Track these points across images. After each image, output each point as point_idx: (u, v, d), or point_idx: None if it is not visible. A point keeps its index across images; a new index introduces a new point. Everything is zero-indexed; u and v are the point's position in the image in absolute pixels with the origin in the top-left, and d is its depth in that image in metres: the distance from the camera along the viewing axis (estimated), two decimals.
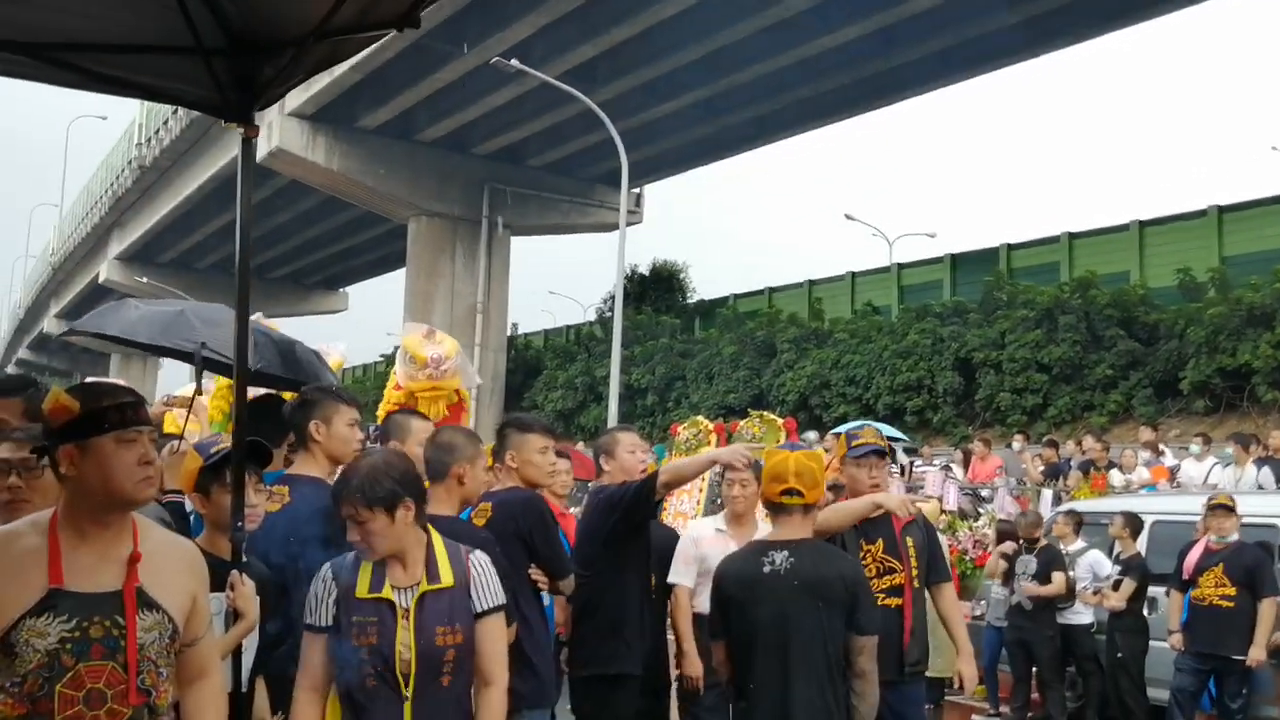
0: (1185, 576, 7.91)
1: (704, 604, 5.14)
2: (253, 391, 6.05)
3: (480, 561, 3.38)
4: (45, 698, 2.34)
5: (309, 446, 4.22)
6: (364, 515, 3.18)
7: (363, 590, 3.18)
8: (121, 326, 6.22)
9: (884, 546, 5.01)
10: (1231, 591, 7.65)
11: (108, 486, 2.47)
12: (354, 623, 3.14)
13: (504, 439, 4.72)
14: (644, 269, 34.85)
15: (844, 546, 4.77)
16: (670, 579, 5.71)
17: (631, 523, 4.96)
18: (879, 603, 4.93)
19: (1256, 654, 7.50)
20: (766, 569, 4.06)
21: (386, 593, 3.18)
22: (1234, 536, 7.79)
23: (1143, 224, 23.53)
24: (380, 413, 9.76)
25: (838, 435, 9.87)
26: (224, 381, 7.45)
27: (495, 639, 3.33)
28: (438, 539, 3.33)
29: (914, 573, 5.05)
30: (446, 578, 3.26)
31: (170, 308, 6.45)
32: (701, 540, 5.77)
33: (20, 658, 2.33)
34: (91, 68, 3.12)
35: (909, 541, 5.07)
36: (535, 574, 4.48)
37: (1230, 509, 7.81)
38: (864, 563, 4.91)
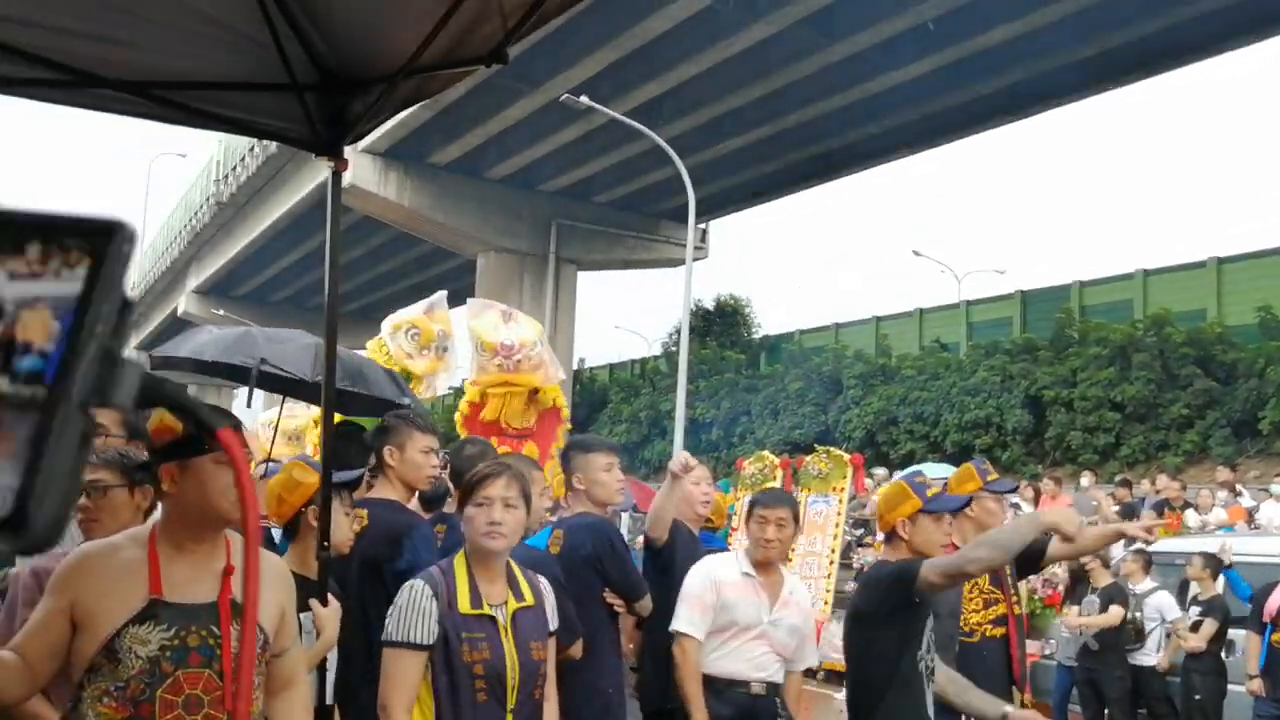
0: (1267, 619, 7.75)
1: (724, 663, 4.54)
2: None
3: (546, 584, 3.55)
4: (147, 702, 2.45)
5: (384, 471, 4.34)
6: (516, 500, 3.34)
7: (465, 606, 3.26)
8: (192, 348, 6.45)
9: (988, 578, 5.09)
10: None
11: (205, 504, 2.57)
12: (464, 639, 3.21)
13: (569, 461, 4.76)
14: (709, 304, 34.91)
15: None
16: (677, 625, 4.52)
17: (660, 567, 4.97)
18: (986, 635, 5.08)
19: None
20: None
21: (487, 609, 3.29)
22: None
23: (1220, 260, 23.16)
24: (457, 416, 9.38)
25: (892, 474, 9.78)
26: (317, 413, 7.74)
27: (551, 659, 3.50)
28: (512, 561, 3.47)
29: (1015, 598, 5.08)
30: (529, 597, 3.40)
31: (238, 329, 6.71)
32: (724, 585, 4.57)
33: (123, 664, 2.44)
34: (191, 104, 3.24)
35: (1008, 569, 5.11)
36: (610, 598, 4.52)
37: None
38: (969, 595, 5.06)
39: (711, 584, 4.55)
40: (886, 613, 4.01)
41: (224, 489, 2.57)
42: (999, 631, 5.18)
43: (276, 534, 3.89)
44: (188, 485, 2.57)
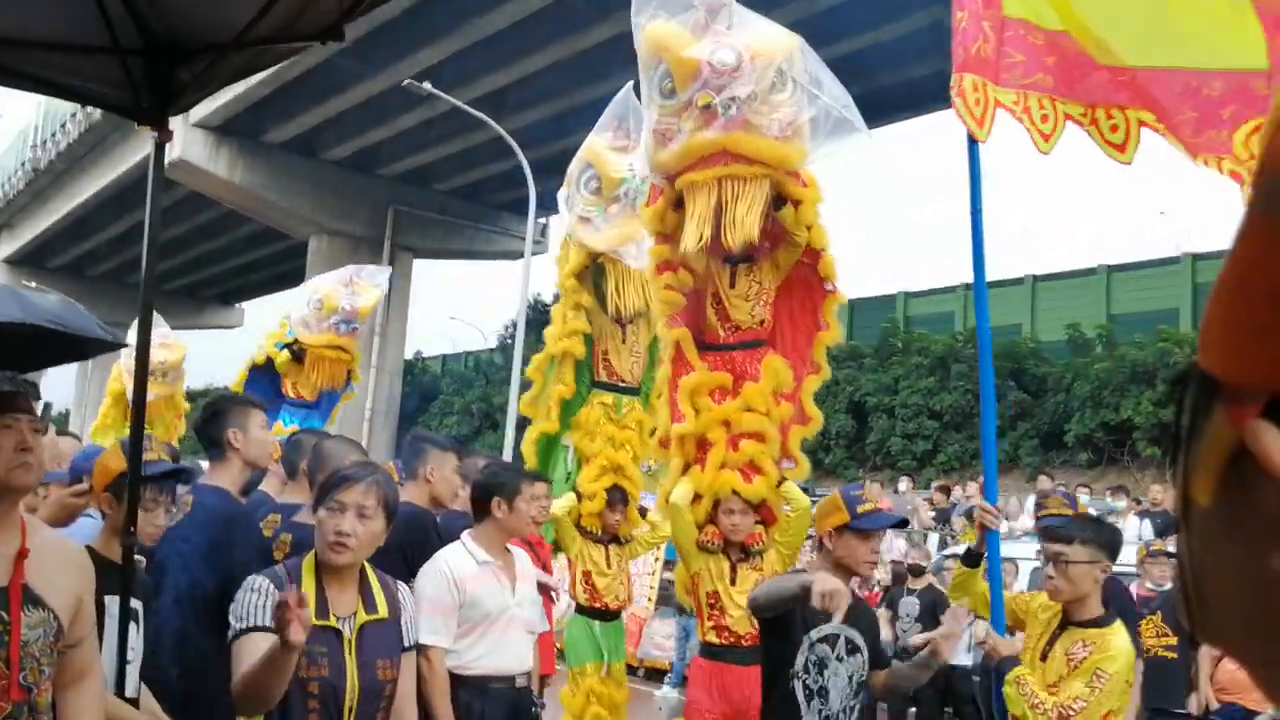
0: None
1: (489, 661, 4.21)
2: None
3: (406, 594, 3.35)
4: None
5: (226, 456, 4.23)
6: (374, 511, 3.10)
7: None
8: None
9: None
10: (1174, 641, 7.39)
11: None
12: (304, 651, 2.95)
13: (423, 454, 4.73)
14: (547, 298, 34.89)
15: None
16: (421, 638, 3.80)
17: None
18: None
19: (1207, 700, 7.30)
20: None
21: (333, 621, 3.06)
22: (1168, 584, 7.64)
23: (1036, 279, 24.27)
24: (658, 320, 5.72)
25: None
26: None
27: (411, 675, 3.31)
28: (369, 567, 3.25)
29: None
30: (382, 609, 3.18)
31: None
32: (466, 580, 4.16)
33: None
34: (5, 62, 3.07)
35: None
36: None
37: (1173, 555, 7.86)
38: None
39: (451, 583, 4.13)
40: (761, 626, 4.06)
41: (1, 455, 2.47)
42: None
43: None
44: None
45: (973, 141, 4.19)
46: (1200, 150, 3.71)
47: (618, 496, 6.69)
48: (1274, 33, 3.57)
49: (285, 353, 8.83)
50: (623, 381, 6.97)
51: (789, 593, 3.75)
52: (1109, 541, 4.19)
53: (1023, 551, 9.88)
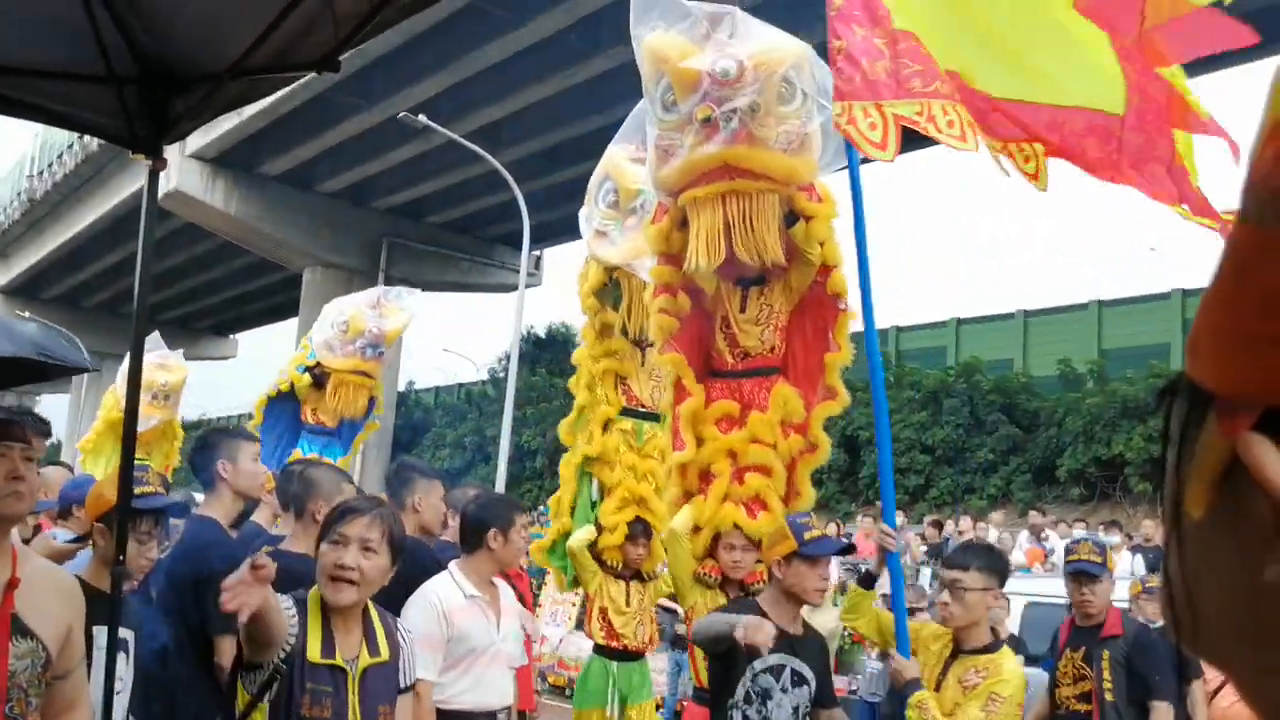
0: None
1: (472, 696, 4.12)
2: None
3: (407, 634, 3.28)
4: None
5: (216, 487, 4.23)
6: (379, 546, 2.99)
7: (314, 653, 2.92)
8: None
9: (1082, 652, 5.33)
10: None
11: None
12: (308, 689, 2.88)
13: (410, 483, 4.71)
14: (540, 331, 34.91)
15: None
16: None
17: None
18: (1070, 709, 5.29)
19: None
20: None
21: (339, 660, 2.95)
22: (1162, 621, 7.70)
23: (1027, 314, 24.35)
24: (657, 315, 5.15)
25: None
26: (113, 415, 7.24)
27: (406, 716, 3.23)
28: (371, 606, 3.17)
29: (1105, 682, 5.16)
30: (384, 651, 3.10)
31: None
32: (454, 614, 4.09)
33: None
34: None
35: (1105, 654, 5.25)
36: None
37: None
38: (1063, 669, 5.35)
39: (440, 616, 4.04)
40: (709, 654, 4.06)
41: None
42: (1083, 707, 5.27)
43: None
44: None
45: (851, 155, 4.27)
46: (1096, 169, 3.88)
47: (639, 529, 6.32)
48: (1133, 83, 3.69)
49: (306, 376, 8.46)
50: (643, 407, 6.62)
51: (722, 633, 3.77)
52: (1001, 569, 4.29)
53: (1016, 587, 9.83)
